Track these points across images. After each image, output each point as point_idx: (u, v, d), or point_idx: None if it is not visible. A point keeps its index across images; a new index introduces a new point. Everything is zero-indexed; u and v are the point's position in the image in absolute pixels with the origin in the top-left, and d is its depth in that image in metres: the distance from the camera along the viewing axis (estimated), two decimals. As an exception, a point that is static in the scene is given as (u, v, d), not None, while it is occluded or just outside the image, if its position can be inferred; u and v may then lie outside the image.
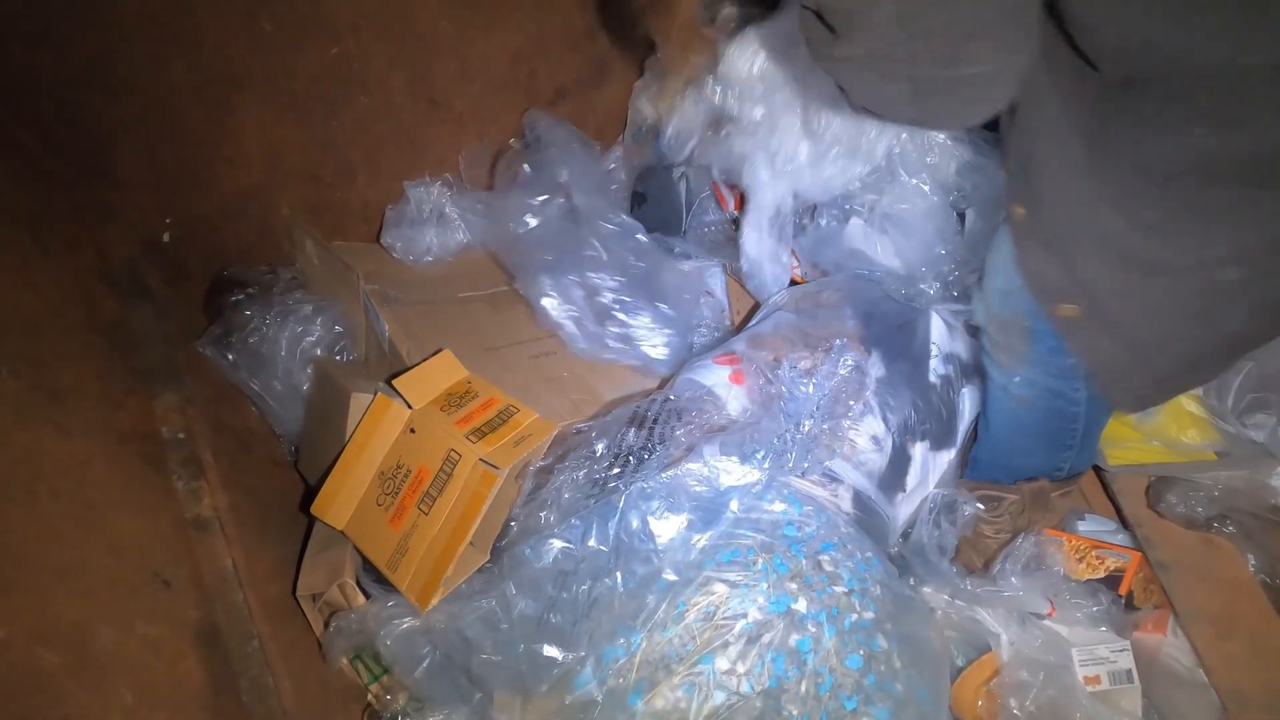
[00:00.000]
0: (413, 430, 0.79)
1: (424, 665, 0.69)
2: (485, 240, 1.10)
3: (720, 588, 0.71)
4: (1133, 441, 0.90)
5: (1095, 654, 0.87)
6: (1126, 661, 0.87)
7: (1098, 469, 0.96)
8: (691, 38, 0.66)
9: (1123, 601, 0.92)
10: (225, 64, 1.01)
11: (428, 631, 0.70)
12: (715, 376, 0.90)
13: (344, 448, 0.80)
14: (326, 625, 0.78)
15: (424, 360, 0.84)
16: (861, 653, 0.72)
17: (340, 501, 0.78)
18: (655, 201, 1.25)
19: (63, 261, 0.91)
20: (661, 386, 0.93)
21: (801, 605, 0.71)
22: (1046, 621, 0.88)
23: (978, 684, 0.86)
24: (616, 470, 0.71)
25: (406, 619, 0.71)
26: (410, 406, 0.79)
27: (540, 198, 1.04)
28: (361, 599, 0.77)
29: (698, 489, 0.69)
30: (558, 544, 0.66)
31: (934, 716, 0.75)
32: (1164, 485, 0.92)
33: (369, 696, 0.79)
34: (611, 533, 0.66)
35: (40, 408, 0.73)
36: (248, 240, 1.10)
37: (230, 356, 0.95)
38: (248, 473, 0.90)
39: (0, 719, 0.54)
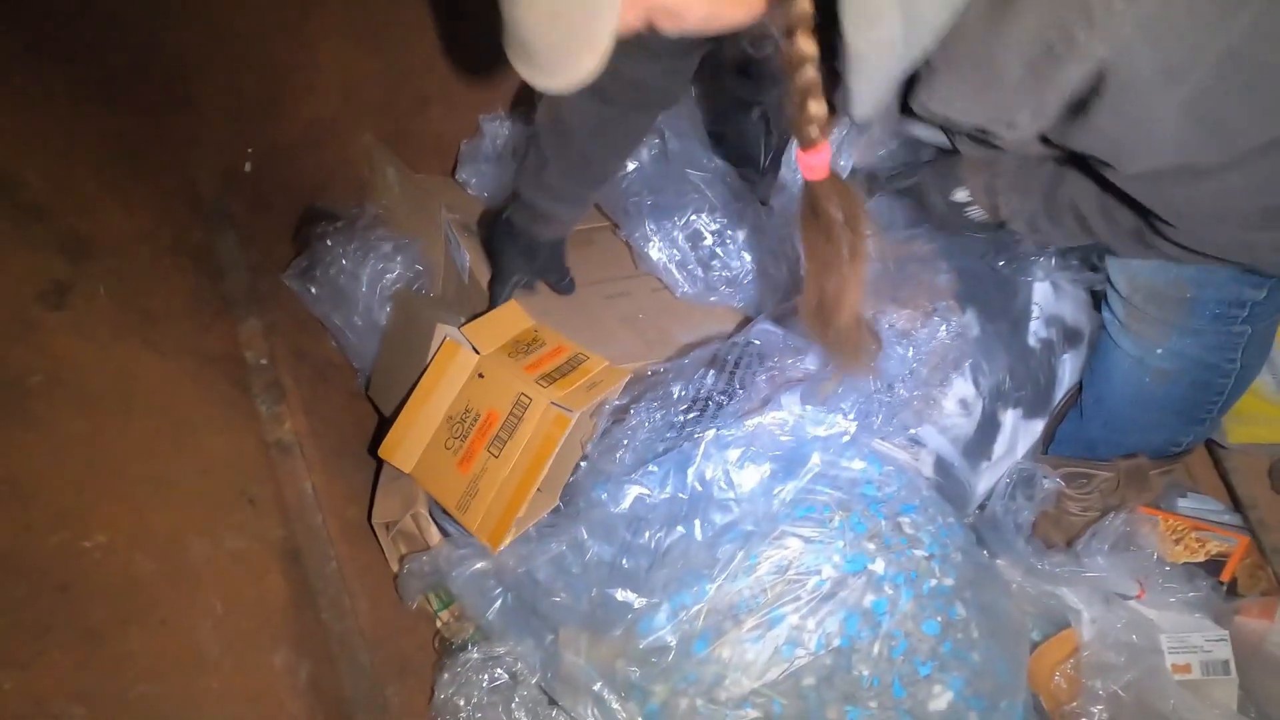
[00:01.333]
0: (481, 375, 0.78)
1: (495, 606, 0.70)
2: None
3: (794, 543, 0.69)
4: (1263, 416, 0.82)
5: (1187, 642, 0.81)
6: (1224, 652, 0.81)
7: (1210, 444, 0.89)
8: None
9: (1224, 588, 0.85)
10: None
11: (499, 573, 0.70)
12: (796, 324, 0.86)
13: (416, 384, 0.81)
14: (401, 562, 0.80)
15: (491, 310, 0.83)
16: (939, 619, 0.69)
17: (408, 445, 0.79)
18: (732, 142, 1.19)
19: (154, 186, 0.93)
20: (737, 332, 0.90)
21: (879, 566, 0.69)
22: (1134, 603, 0.83)
23: (1055, 661, 0.82)
24: (694, 415, 0.69)
25: (478, 561, 0.71)
26: (478, 352, 0.78)
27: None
28: (434, 529, 0.78)
29: (782, 438, 0.66)
30: (635, 490, 0.65)
31: (1011, 690, 0.72)
32: (1292, 465, 0.84)
33: (438, 624, 0.81)
34: (689, 480, 0.65)
35: (135, 327, 0.76)
36: (327, 171, 1.10)
37: (313, 290, 0.96)
38: (326, 401, 0.92)
39: (103, 618, 0.57)
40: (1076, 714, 0.76)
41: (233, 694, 0.62)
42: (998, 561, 0.83)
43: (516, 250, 0.87)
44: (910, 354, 0.72)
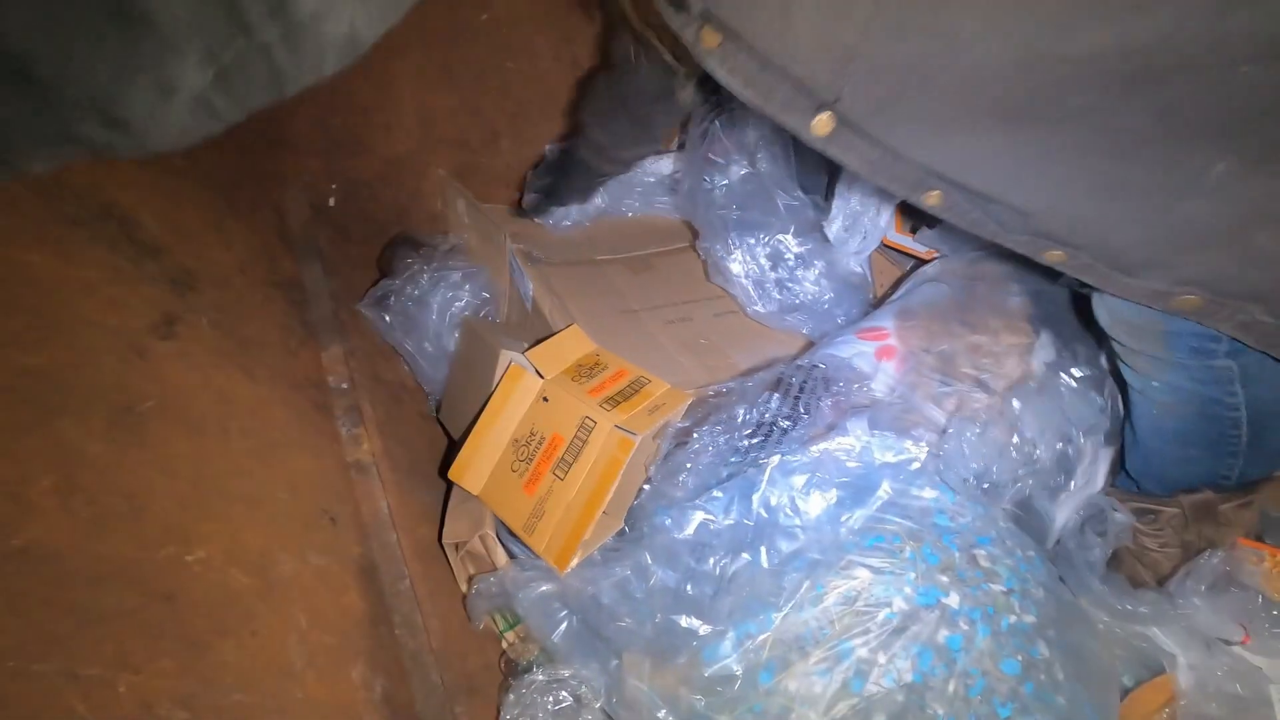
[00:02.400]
0: (546, 399, 0.80)
1: (561, 629, 0.70)
2: (678, 206, 1.12)
3: (863, 573, 0.67)
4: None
5: (1301, 693, 0.75)
6: (1344, 706, 0.74)
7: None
8: None
9: (1342, 635, 0.78)
10: (388, 32, 1.06)
11: (564, 596, 0.71)
12: (859, 350, 0.84)
13: (483, 408, 0.83)
14: (469, 582, 0.82)
15: (557, 332, 0.86)
16: (1020, 658, 0.66)
17: (476, 467, 0.81)
18: (800, 169, 1.19)
19: (248, 221, 1.01)
20: (798, 358, 0.89)
21: (953, 600, 0.66)
22: (1238, 649, 0.77)
23: (1149, 710, 0.77)
24: (759, 440, 0.68)
25: (544, 583, 0.73)
26: (542, 376, 0.80)
27: (732, 158, 1.01)
28: (501, 551, 0.80)
29: (850, 465, 0.65)
30: (699, 516, 0.65)
31: (1100, 738, 0.68)
32: None
33: (504, 644, 0.83)
34: (754, 506, 0.64)
35: (233, 354, 0.81)
36: (404, 203, 1.17)
37: (387, 318, 1.01)
38: (400, 423, 0.96)
39: (203, 628, 0.60)
40: (1175, 767, 0.71)
41: (317, 705, 0.64)
42: (1081, 601, 0.78)
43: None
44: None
